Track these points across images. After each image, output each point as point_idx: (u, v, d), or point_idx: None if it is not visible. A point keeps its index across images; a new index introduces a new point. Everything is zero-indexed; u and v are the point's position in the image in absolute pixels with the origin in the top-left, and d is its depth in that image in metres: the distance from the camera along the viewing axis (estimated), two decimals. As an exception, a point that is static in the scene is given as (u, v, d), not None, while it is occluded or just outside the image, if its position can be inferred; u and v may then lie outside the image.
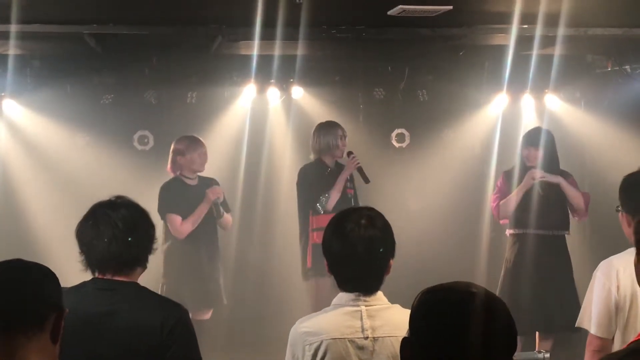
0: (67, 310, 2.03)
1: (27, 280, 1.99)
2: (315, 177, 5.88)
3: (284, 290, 6.72)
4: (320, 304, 5.56)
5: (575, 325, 3.41)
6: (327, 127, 5.98)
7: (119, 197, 2.79)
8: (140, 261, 2.75)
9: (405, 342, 1.76)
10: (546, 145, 5.77)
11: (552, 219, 5.76)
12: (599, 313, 3.24)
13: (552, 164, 5.81)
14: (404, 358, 1.75)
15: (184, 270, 5.66)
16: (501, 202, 5.85)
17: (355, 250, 2.61)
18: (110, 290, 2.69)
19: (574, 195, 5.80)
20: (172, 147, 5.87)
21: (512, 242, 5.88)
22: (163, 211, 5.60)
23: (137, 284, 2.76)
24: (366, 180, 5.94)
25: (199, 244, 5.71)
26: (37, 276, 2.01)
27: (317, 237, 5.72)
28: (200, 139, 5.94)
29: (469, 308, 1.69)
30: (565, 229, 5.86)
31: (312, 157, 6.04)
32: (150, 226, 2.79)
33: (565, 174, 5.89)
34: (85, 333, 2.60)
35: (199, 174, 5.87)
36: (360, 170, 5.92)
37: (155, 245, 2.80)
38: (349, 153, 5.92)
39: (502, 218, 5.93)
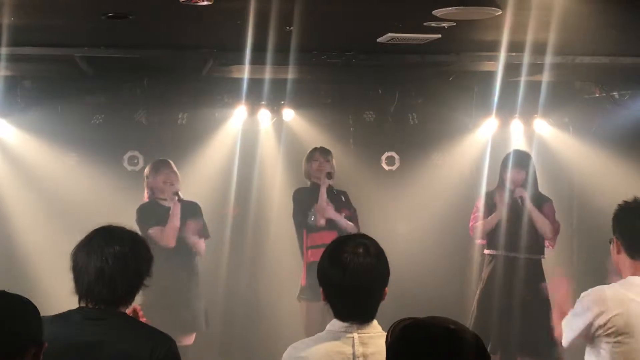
0: (46, 344, 2.02)
1: (7, 313, 1.98)
2: (306, 197, 6.11)
3: (274, 313, 6.72)
4: (311, 325, 5.69)
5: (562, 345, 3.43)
6: (308, 153, 6.31)
7: (117, 228, 2.76)
8: (124, 300, 2.72)
9: None
10: (526, 167, 5.89)
11: (527, 243, 5.85)
12: (570, 331, 3.27)
13: (532, 187, 5.93)
14: None
15: (162, 296, 5.64)
16: (477, 223, 5.97)
17: (355, 281, 2.61)
18: (97, 319, 2.66)
19: (541, 222, 5.89)
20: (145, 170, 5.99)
21: (487, 261, 6.00)
22: (144, 230, 5.60)
23: (125, 314, 2.74)
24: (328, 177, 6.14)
25: (177, 270, 5.71)
26: (18, 310, 2.00)
27: (311, 255, 5.89)
28: (167, 159, 5.98)
29: (449, 346, 1.72)
30: (539, 253, 5.95)
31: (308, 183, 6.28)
32: (143, 262, 2.75)
33: (543, 199, 5.99)
34: None
35: (175, 192, 5.85)
36: (328, 174, 6.12)
37: (147, 282, 2.76)
38: (322, 171, 6.12)
39: (478, 239, 6.04)
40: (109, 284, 2.66)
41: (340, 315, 2.69)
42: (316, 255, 5.76)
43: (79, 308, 2.70)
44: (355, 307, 2.67)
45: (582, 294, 3.32)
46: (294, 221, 6.17)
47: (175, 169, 5.95)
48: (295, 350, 2.70)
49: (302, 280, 6.01)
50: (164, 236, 5.67)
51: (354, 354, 2.63)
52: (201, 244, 5.93)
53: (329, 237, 5.51)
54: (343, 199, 6.24)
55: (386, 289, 2.69)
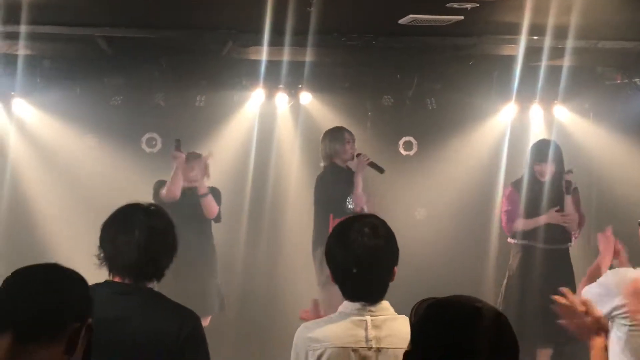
0: (90, 321, 1.96)
1: (51, 287, 1.92)
2: (332, 179, 5.98)
3: (291, 295, 6.72)
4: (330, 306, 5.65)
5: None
6: (334, 133, 6.11)
7: (147, 204, 2.77)
8: (153, 275, 2.71)
9: (407, 355, 1.76)
10: (556, 158, 5.77)
11: (554, 233, 5.77)
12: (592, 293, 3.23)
13: (560, 176, 5.81)
14: None
15: (180, 275, 5.65)
16: (516, 223, 5.82)
17: (359, 260, 2.59)
18: (125, 294, 2.65)
19: (572, 216, 5.81)
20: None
21: (515, 251, 5.91)
22: (156, 193, 5.74)
23: (152, 289, 2.73)
24: (380, 170, 6.09)
25: (192, 250, 5.71)
26: (64, 284, 1.94)
27: None
28: (199, 153, 6.01)
29: (475, 324, 1.70)
30: (567, 241, 5.87)
31: (322, 164, 6.10)
32: (173, 238, 2.75)
33: (570, 186, 5.87)
34: (99, 338, 2.55)
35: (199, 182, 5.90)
36: (371, 164, 6.03)
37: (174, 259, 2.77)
38: (358, 154, 6.02)
39: (509, 231, 5.94)
40: (140, 258, 2.65)
41: (348, 296, 2.67)
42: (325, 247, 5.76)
43: (106, 282, 2.68)
44: (363, 287, 2.65)
45: (604, 275, 3.30)
46: (315, 208, 6.00)
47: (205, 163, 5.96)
48: (307, 330, 2.69)
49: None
50: (167, 191, 5.71)
51: (366, 337, 2.61)
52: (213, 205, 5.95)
53: None
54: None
55: (395, 268, 2.66)
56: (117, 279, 2.68)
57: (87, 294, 1.98)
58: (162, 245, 2.71)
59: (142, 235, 2.65)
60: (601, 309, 3.20)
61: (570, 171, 5.85)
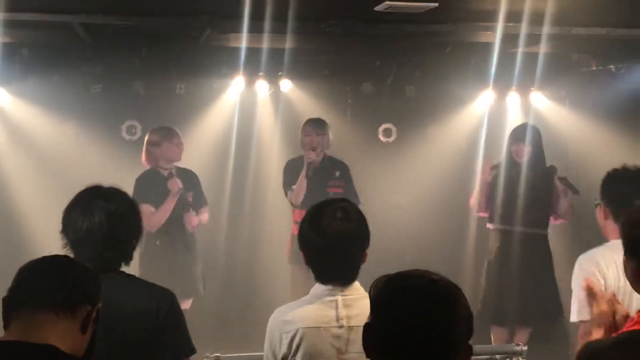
0: (100, 306, 2.11)
1: (68, 269, 2.11)
2: (291, 170, 6.12)
3: (271, 280, 6.77)
4: (296, 291, 5.80)
5: (571, 321, 3.46)
6: (303, 124, 6.23)
7: (108, 187, 2.76)
8: (128, 255, 2.75)
9: (367, 327, 1.79)
10: (534, 141, 5.83)
11: (533, 218, 5.82)
12: (580, 299, 3.30)
13: (539, 160, 5.86)
14: (366, 343, 1.78)
15: (160, 259, 5.67)
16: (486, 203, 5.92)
17: (332, 244, 2.66)
18: None
19: (562, 203, 5.86)
20: (146, 137, 5.92)
21: (494, 236, 5.97)
22: (137, 202, 5.58)
23: (123, 272, 2.76)
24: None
25: (174, 234, 5.74)
26: (79, 270, 2.13)
27: (295, 229, 5.91)
28: (175, 129, 5.95)
29: (432, 295, 1.74)
30: (545, 227, 5.92)
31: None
32: (138, 219, 2.78)
33: (552, 169, 5.91)
34: None
35: (175, 164, 5.89)
36: (565, 181, 5.84)
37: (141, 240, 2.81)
38: (313, 149, 6.04)
39: (478, 211, 6.05)
40: (105, 244, 2.67)
41: (321, 279, 2.73)
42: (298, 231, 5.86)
43: None
44: (335, 270, 2.71)
45: (574, 269, 3.36)
46: (284, 192, 6.19)
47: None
48: (280, 314, 2.74)
49: (287, 250, 6.14)
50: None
51: (337, 316, 2.67)
52: (204, 217, 5.96)
53: None
54: (337, 173, 6.16)
55: (366, 251, 2.73)
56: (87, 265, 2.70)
57: (99, 284, 2.15)
58: (125, 229, 2.72)
59: (104, 221, 2.66)
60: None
61: (564, 177, 5.86)
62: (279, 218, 6.76)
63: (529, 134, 5.83)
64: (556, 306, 5.64)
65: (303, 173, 5.99)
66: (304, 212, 5.74)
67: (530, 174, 5.81)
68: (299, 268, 5.70)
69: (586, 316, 3.28)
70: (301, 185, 5.97)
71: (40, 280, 2.06)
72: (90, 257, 2.66)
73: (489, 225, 6.02)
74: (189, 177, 5.95)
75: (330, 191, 5.99)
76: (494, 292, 5.79)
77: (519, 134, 5.89)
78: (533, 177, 5.81)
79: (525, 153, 5.80)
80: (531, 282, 5.72)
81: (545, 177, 5.85)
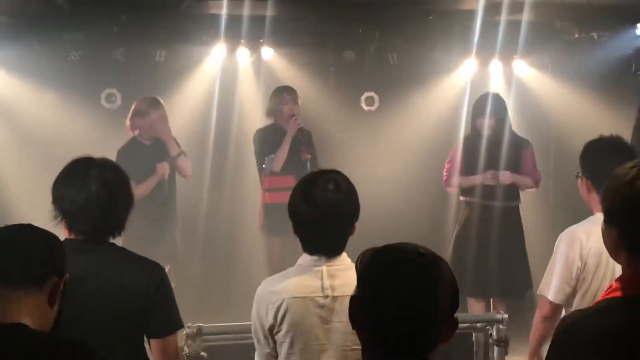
0: (67, 276, 2.08)
1: (33, 240, 2.06)
2: (266, 139, 6.09)
3: (253, 249, 6.77)
4: (272, 261, 5.85)
5: (537, 293, 3.48)
6: (275, 92, 6.19)
7: (97, 158, 2.73)
8: (121, 226, 2.73)
9: (354, 299, 1.81)
10: (497, 111, 5.73)
11: (502, 191, 5.75)
12: (561, 282, 3.31)
13: (505, 130, 5.76)
14: (352, 315, 1.80)
15: (138, 226, 5.62)
16: (454, 178, 5.86)
17: (322, 215, 2.66)
18: (87, 251, 2.64)
19: (524, 184, 5.82)
20: (133, 105, 5.84)
21: (464, 207, 5.94)
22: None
23: (114, 244, 2.74)
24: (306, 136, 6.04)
25: (154, 201, 5.68)
26: (44, 240, 2.08)
27: (268, 198, 5.99)
28: (161, 102, 5.86)
29: (418, 268, 1.75)
30: (516, 199, 5.87)
31: (267, 121, 6.22)
32: (128, 189, 2.76)
33: (523, 143, 5.87)
34: (70, 296, 2.51)
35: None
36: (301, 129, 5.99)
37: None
38: (292, 116, 6.02)
39: (448, 187, 6.01)
40: (100, 215, 2.64)
41: (309, 249, 2.74)
42: (273, 198, 5.88)
43: (67, 240, 2.65)
44: (323, 241, 2.72)
45: (557, 242, 3.37)
46: (256, 162, 6.16)
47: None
48: (268, 284, 2.76)
49: (259, 220, 6.18)
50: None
51: (322, 285, 2.69)
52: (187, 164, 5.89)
53: (285, 181, 5.56)
54: (306, 140, 6.13)
55: (355, 224, 2.74)
56: (78, 237, 2.67)
57: (64, 252, 2.12)
58: (120, 200, 2.70)
59: (101, 192, 2.63)
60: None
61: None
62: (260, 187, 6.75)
63: (492, 105, 5.72)
64: (524, 280, 5.68)
65: (287, 140, 5.97)
66: (274, 180, 5.91)
67: (495, 146, 5.72)
68: (273, 237, 5.90)
69: (558, 300, 3.32)
70: (284, 152, 5.97)
71: (4, 256, 2.02)
72: (85, 230, 2.66)
73: (461, 198, 5.98)
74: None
75: (302, 156, 6.01)
76: (460, 262, 5.72)
77: (481, 106, 5.77)
78: (499, 148, 5.72)
79: (489, 125, 5.70)
80: (500, 254, 5.71)
81: (513, 148, 5.76)
